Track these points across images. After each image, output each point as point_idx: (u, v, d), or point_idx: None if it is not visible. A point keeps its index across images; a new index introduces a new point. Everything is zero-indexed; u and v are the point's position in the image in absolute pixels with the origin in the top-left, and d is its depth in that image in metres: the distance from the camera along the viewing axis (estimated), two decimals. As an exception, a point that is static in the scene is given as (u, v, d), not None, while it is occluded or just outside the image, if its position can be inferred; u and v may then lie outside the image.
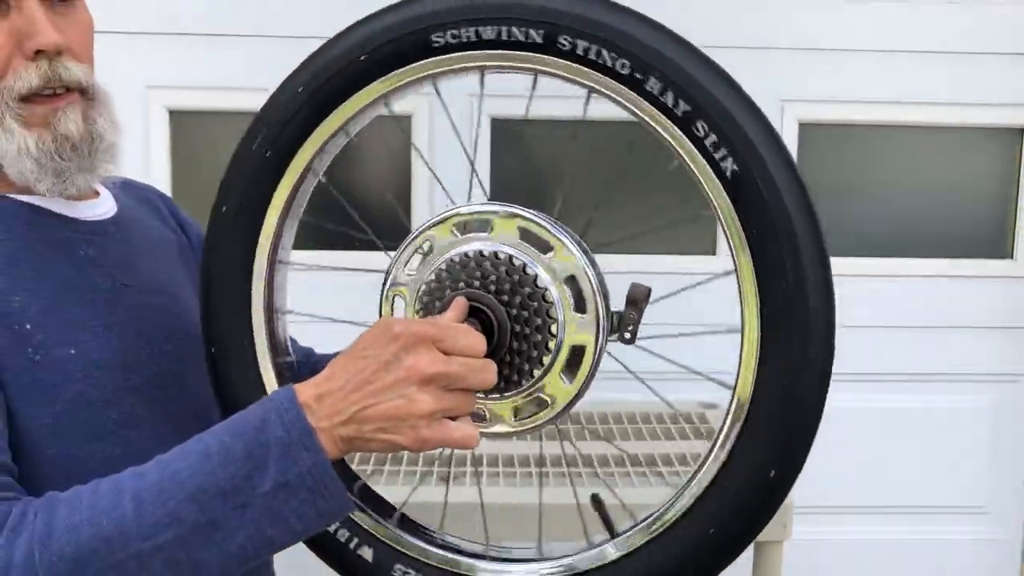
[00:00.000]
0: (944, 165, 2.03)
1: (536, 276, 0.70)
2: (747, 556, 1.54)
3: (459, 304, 0.70)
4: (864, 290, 2.01)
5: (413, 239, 0.74)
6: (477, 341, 0.67)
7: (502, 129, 1.95)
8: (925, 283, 2.03)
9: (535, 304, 0.70)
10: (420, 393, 0.65)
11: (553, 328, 0.70)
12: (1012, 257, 2.05)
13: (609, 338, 0.72)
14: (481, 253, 0.71)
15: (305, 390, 0.67)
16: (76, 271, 0.82)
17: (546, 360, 0.70)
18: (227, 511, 0.64)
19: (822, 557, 2.09)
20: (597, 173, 2.01)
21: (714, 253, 2.02)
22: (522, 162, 1.99)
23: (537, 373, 0.70)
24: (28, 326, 0.76)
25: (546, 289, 0.69)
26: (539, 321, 0.70)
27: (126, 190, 0.96)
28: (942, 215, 2.05)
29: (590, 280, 0.70)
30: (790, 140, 1.97)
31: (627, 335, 0.72)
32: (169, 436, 0.71)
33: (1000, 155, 2.03)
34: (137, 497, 0.64)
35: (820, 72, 1.95)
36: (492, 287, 0.71)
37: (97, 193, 0.90)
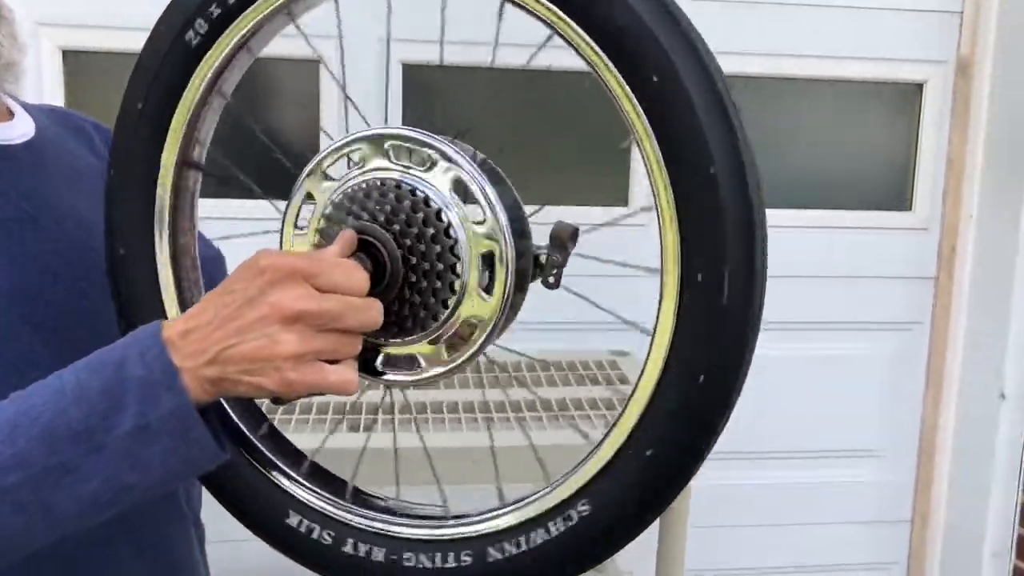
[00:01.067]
0: (847, 119, 2.07)
1: (427, 198, 0.63)
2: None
3: (344, 237, 0.63)
4: (769, 240, 2.05)
5: (302, 181, 0.68)
6: (357, 277, 0.61)
7: (414, 76, 1.91)
8: (828, 234, 2.09)
9: (431, 230, 0.63)
10: (284, 332, 0.59)
11: (455, 249, 0.63)
12: (911, 210, 2.12)
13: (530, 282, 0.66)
14: (368, 183, 0.65)
15: (172, 326, 0.61)
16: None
17: (457, 286, 0.63)
18: (80, 453, 0.59)
19: (725, 503, 2.15)
20: (512, 122, 1.99)
21: (626, 204, 2.03)
22: (434, 110, 1.96)
23: (451, 302, 0.64)
24: None
25: (439, 210, 0.63)
26: (438, 248, 0.63)
27: (54, 117, 0.90)
28: (845, 168, 2.10)
29: (482, 190, 0.64)
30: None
31: (551, 279, 0.66)
32: None
33: (900, 110, 2.09)
34: (14, 417, 0.60)
35: (724, 25, 1.97)
36: (384, 218, 0.64)
37: (11, 115, 0.84)
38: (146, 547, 0.84)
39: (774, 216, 2.18)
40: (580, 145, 2.00)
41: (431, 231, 0.63)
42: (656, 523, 1.48)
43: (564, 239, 0.66)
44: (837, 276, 2.10)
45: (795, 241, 2.06)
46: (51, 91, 1.83)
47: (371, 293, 0.63)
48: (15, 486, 0.58)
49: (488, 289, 0.64)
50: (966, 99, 2.03)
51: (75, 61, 1.84)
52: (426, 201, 0.64)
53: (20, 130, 0.84)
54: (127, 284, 0.76)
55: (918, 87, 2.06)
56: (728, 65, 2.07)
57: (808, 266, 2.08)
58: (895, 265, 2.12)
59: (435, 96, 1.95)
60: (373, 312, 0.61)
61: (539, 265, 0.67)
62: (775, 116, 2.05)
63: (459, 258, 0.63)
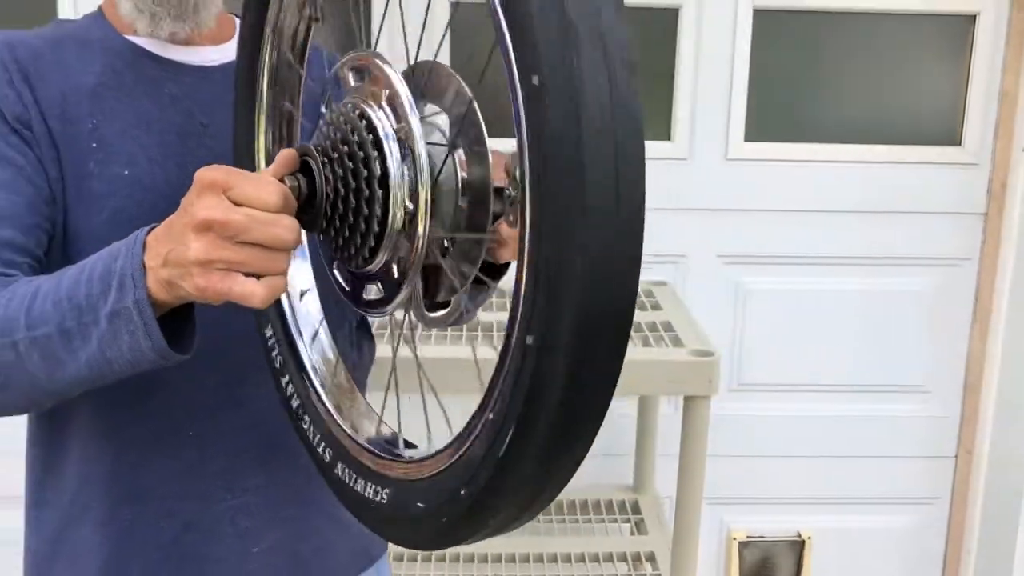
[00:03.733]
0: (897, 52, 2.06)
1: (370, 123, 0.63)
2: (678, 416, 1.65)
3: (281, 156, 0.67)
4: (817, 175, 2.08)
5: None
6: (268, 191, 0.63)
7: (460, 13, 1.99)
8: (876, 169, 2.09)
9: (364, 152, 0.63)
10: (194, 240, 0.63)
11: (385, 164, 0.62)
12: (961, 144, 2.10)
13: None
14: (341, 110, 0.66)
15: (155, 229, 0.68)
16: (154, 105, 0.91)
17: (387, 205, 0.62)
18: (80, 323, 0.70)
19: (771, 433, 2.20)
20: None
21: (669, 138, 2.08)
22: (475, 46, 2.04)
23: (379, 218, 0.63)
24: (94, 144, 0.88)
25: (377, 131, 0.63)
26: (366, 168, 0.63)
27: None
28: (894, 102, 2.09)
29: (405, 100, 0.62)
30: (745, 27, 2.01)
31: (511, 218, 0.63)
32: None
33: (952, 42, 2.06)
34: (35, 296, 0.73)
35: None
36: (331, 143, 0.66)
37: (222, 41, 0.98)
38: (257, 421, 0.94)
39: (826, 151, 2.23)
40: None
41: (363, 153, 0.63)
42: (677, 447, 1.57)
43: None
44: (884, 211, 2.11)
45: (842, 176, 2.08)
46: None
47: (304, 211, 0.65)
48: (40, 339, 0.71)
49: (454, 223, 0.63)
50: (1021, 31, 2.00)
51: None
52: (369, 126, 0.64)
53: (221, 55, 0.97)
54: None
55: (971, 18, 2.03)
56: (781, 1, 2.09)
57: (855, 201, 2.09)
58: (944, 201, 2.11)
59: (480, 33, 2.02)
60: (279, 228, 0.63)
61: (503, 199, 0.63)
62: (825, 50, 2.06)
63: (385, 172, 0.62)
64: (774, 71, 2.05)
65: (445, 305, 0.70)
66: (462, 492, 0.59)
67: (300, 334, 0.85)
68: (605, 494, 2.06)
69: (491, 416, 0.56)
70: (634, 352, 1.58)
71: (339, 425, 0.78)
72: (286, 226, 0.63)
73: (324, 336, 0.86)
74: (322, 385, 0.82)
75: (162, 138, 0.90)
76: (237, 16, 1.01)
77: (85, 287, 0.70)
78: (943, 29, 2.05)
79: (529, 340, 0.52)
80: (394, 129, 0.63)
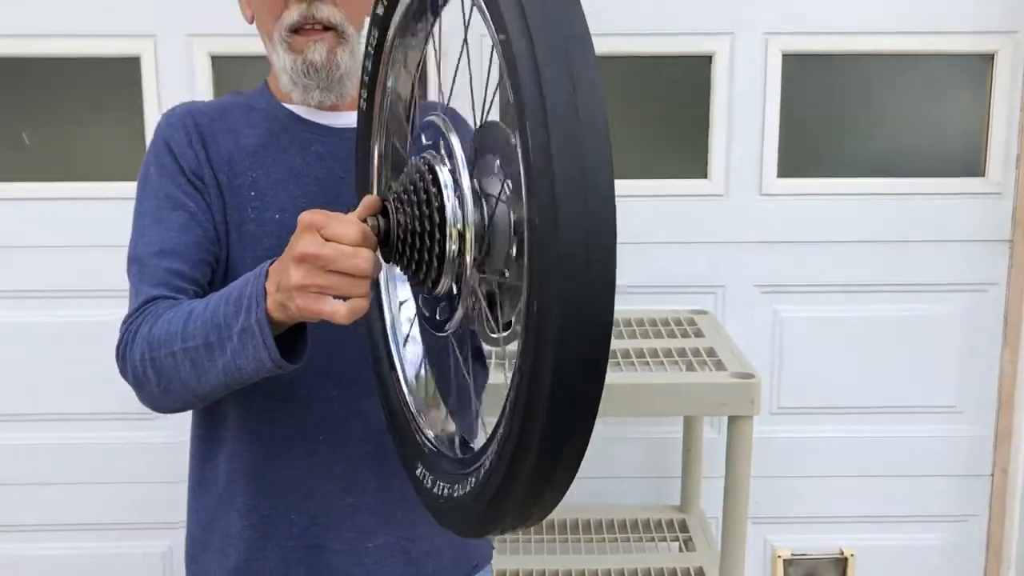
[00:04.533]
0: (921, 91, 2.18)
1: (434, 174, 0.76)
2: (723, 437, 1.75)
3: (365, 201, 0.82)
4: (847, 207, 2.19)
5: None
6: (350, 231, 0.77)
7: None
8: (905, 200, 2.20)
9: (427, 197, 0.76)
10: (294, 269, 0.78)
11: (443, 212, 0.74)
12: (985, 175, 2.21)
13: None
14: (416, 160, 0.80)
15: (275, 262, 0.83)
16: (303, 162, 1.09)
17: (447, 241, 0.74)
18: (219, 338, 0.87)
19: (808, 455, 2.30)
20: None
21: (706, 176, 2.20)
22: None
23: (438, 254, 0.75)
24: (252, 193, 1.06)
25: (432, 173, 0.76)
26: (429, 211, 0.75)
27: None
28: (921, 137, 2.21)
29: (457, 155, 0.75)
30: (775, 70, 2.14)
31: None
32: None
33: (972, 80, 2.18)
34: (189, 315, 0.90)
35: (801, 5, 2.12)
36: (403, 188, 0.79)
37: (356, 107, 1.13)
38: (375, 432, 1.09)
39: (857, 185, 2.36)
40: (660, 120, 2.19)
41: (427, 199, 0.76)
42: (722, 469, 1.67)
43: None
44: (912, 240, 2.21)
45: (871, 207, 2.19)
46: (203, 91, 2.15)
47: (383, 245, 0.80)
48: (190, 350, 0.88)
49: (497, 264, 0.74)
50: (1037, 68, 2.12)
51: (222, 65, 2.15)
52: (434, 178, 0.76)
53: (354, 118, 1.12)
54: None
55: (988, 57, 2.15)
56: (810, 45, 2.22)
57: (884, 231, 2.20)
58: (970, 229, 2.22)
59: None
60: (359, 260, 0.77)
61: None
62: (851, 90, 2.18)
63: (443, 215, 0.74)
64: (803, 110, 2.18)
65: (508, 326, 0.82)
66: (480, 492, 0.72)
67: (399, 354, 0.99)
68: (654, 514, 2.17)
69: (501, 430, 0.69)
70: (680, 376, 1.70)
71: (421, 429, 0.92)
72: (364, 257, 0.77)
73: (415, 357, 1.00)
74: (410, 394, 0.96)
75: (308, 189, 1.07)
76: None
77: (223, 309, 0.87)
78: (963, 68, 2.17)
79: (524, 367, 0.63)
80: (452, 181, 0.76)
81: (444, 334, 0.85)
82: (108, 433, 2.25)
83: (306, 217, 0.79)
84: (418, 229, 0.77)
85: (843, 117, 2.19)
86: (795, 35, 2.14)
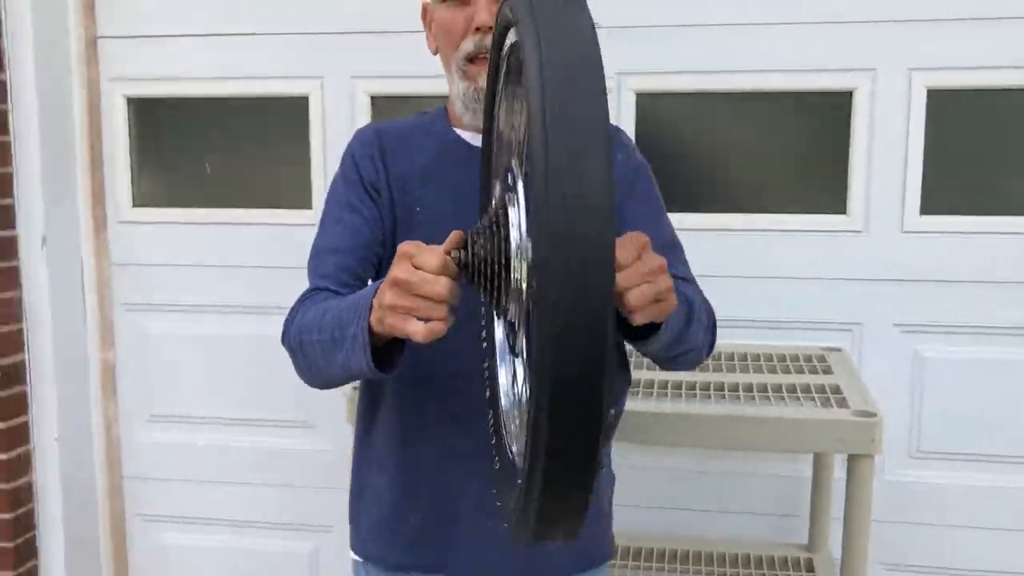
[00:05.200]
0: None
1: (505, 210, 0.85)
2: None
3: (452, 235, 0.91)
4: (992, 246, 2.11)
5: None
6: (433, 261, 0.87)
7: (645, 105, 2.21)
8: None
9: (504, 237, 0.84)
10: (388, 291, 0.89)
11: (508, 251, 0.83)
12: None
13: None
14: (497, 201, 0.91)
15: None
16: (464, 181, 1.21)
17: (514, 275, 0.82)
18: (341, 336, 1.01)
19: (952, 503, 2.21)
20: (733, 139, 2.22)
21: (844, 212, 2.18)
22: (664, 135, 2.24)
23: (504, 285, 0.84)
24: (419, 210, 1.21)
25: (505, 213, 0.86)
26: (500, 248, 0.85)
27: None
28: (1009, 173, 2.10)
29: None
30: (919, 106, 2.10)
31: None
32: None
33: None
34: (327, 310, 1.05)
35: (947, 41, 2.07)
36: (488, 225, 0.88)
37: None
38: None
39: (996, 223, 2.27)
40: (799, 156, 2.19)
41: (499, 235, 0.86)
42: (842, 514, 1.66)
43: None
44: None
45: (1017, 247, 2.10)
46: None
47: (465, 275, 0.88)
48: (320, 342, 1.04)
49: None
50: None
51: (380, 104, 2.34)
52: (505, 217, 0.87)
53: None
54: None
55: None
56: (955, 80, 2.16)
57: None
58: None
59: (663, 121, 2.23)
60: (438, 287, 0.86)
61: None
62: (997, 125, 2.10)
63: (509, 253, 0.84)
64: (950, 147, 2.12)
65: None
66: (513, 503, 0.81)
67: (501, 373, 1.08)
68: (780, 551, 2.15)
69: (523, 451, 0.76)
70: (800, 411, 1.70)
71: (507, 441, 1.01)
72: (442, 284, 0.87)
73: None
74: (505, 412, 1.05)
75: (467, 205, 1.19)
76: None
77: (347, 312, 1.01)
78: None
79: (533, 400, 0.70)
80: (519, 220, 0.85)
81: (516, 356, 0.93)
82: (268, 439, 2.46)
83: (402, 247, 0.90)
84: (489, 261, 0.86)
85: (993, 153, 2.12)
86: (940, 70, 2.10)
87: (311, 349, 1.08)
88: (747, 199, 2.21)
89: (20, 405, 2.32)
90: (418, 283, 0.87)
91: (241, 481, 2.47)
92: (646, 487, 2.28)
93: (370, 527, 1.31)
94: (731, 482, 2.28)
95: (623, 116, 2.19)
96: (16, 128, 2.25)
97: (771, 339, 2.19)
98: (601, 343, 0.68)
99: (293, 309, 1.17)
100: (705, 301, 1.24)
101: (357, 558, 1.36)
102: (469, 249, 0.89)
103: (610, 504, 1.40)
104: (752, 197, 2.20)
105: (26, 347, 2.32)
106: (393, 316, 0.89)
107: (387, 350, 0.99)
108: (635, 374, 1.85)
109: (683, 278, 1.24)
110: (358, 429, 1.33)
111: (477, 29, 1.17)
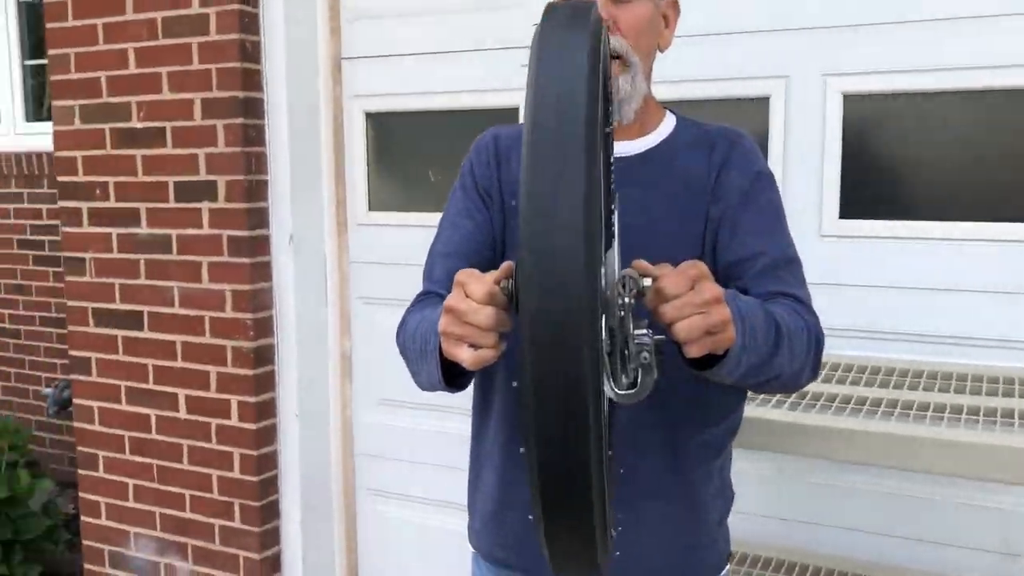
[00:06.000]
0: None
1: None
2: None
3: (503, 265, 0.92)
4: None
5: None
6: (481, 291, 0.89)
7: (854, 107, 2.10)
8: None
9: None
10: (443, 316, 0.92)
11: None
12: None
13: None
14: None
15: None
16: None
17: None
18: (424, 349, 1.08)
19: None
20: (961, 144, 2.05)
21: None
22: (875, 139, 2.12)
23: None
24: None
25: None
26: None
27: (697, 133, 1.28)
28: None
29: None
30: None
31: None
32: None
33: None
34: (421, 320, 1.13)
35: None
36: None
37: (641, 133, 1.26)
38: (667, 448, 1.25)
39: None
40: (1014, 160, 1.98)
41: None
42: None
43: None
44: None
45: None
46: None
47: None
48: (413, 349, 1.12)
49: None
50: None
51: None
52: None
53: (642, 146, 1.26)
54: None
55: None
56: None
57: None
58: None
59: (874, 126, 2.11)
60: (482, 316, 0.89)
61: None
62: None
63: None
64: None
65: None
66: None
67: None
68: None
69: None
70: (1012, 438, 1.53)
71: None
72: (487, 314, 0.89)
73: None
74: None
75: None
76: (669, 110, 1.30)
77: (428, 327, 1.08)
78: None
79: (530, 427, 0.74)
80: None
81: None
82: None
83: (458, 275, 0.94)
84: None
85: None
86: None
87: (410, 355, 1.15)
88: (949, 206, 2.04)
89: (269, 383, 2.65)
90: (466, 311, 0.89)
91: (447, 465, 2.63)
92: (856, 509, 2.17)
93: (481, 521, 1.36)
94: (941, 512, 2.10)
95: (829, 118, 2.10)
96: (270, 140, 2.57)
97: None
98: (577, 362, 0.71)
99: (406, 312, 1.24)
100: (807, 323, 1.16)
101: (472, 549, 1.41)
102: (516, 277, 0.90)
103: (722, 519, 1.37)
104: (953, 204, 2.03)
105: (275, 332, 2.65)
106: (446, 342, 0.93)
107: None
108: (842, 389, 1.78)
109: (793, 296, 1.18)
110: (474, 422, 1.38)
111: None
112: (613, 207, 1.15)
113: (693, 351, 0.92)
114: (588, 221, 0.71)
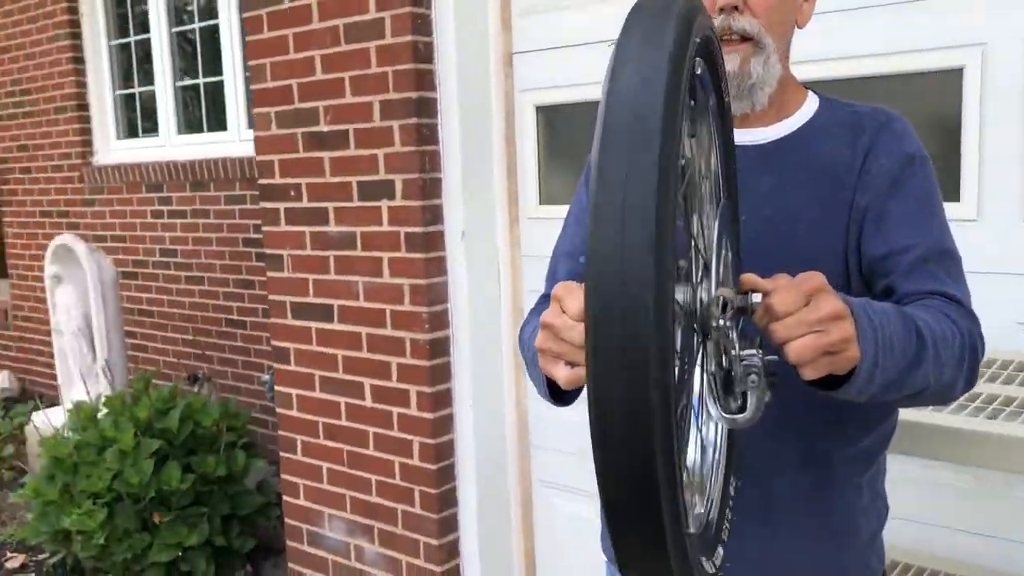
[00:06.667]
0: None
1: None
2: None
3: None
4: None
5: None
6: (574, 305, 0.86)
7: None
8: None
9: None
10: (540, 332, 0.90)
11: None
12: None
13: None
14: None
15: None
16: None
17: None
18: (535, 360, 1.01)
19: None
20: None
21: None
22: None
23: None
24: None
25: None
26: None
27: (845, 115, 1.18)
28: None
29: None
30: None
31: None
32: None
33: None
34: (536, 328, 1.03)
35: None
36: None
37: (777, 118, 1.18)
38: (808, 464, 1.17)
39: None
40: None
41: None
42: None
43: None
44: None
45: None
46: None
47: None
48: (528, 359, 1.10)
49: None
50: None
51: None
52: None
53: (777, 132, 1.17)
54: None
55: None
56: None
57: None
58: None
59: None
60: (576, 333, 0.85)
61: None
62: None
63: None
64: None
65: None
66: None
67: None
68: None
69: None
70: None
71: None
72: (579, 331, 0.85)
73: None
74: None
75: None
76: (810, 89, 1.21)
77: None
78: None
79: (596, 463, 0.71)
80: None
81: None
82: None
83: (555, 289, 0.90)
84: None
85: None
86: None
87: (526, 364, 1.13)
88: None
89: (445, 374, 2.73)
90: (561, 328, 0.87)
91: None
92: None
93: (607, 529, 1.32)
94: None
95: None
96: (443, 139, 2.64)
97: None
98: (642, 387, 0.66)
99: (528, 315, 1.21)
100: (959, 328, 1.03)
101: (604, 557, 1.37)
102: None
103: (874, 535, 1.25)
104: None
105: (450, 324, 2.72)
106: (543, 359, 0.90)
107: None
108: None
109: (944, 295, 1.06)
110: None
111: (721, 9, 1.10)
112: (741, 216, 1.08)
113: (808, 373, 0.85)
114: (659, 236, 0.66)
